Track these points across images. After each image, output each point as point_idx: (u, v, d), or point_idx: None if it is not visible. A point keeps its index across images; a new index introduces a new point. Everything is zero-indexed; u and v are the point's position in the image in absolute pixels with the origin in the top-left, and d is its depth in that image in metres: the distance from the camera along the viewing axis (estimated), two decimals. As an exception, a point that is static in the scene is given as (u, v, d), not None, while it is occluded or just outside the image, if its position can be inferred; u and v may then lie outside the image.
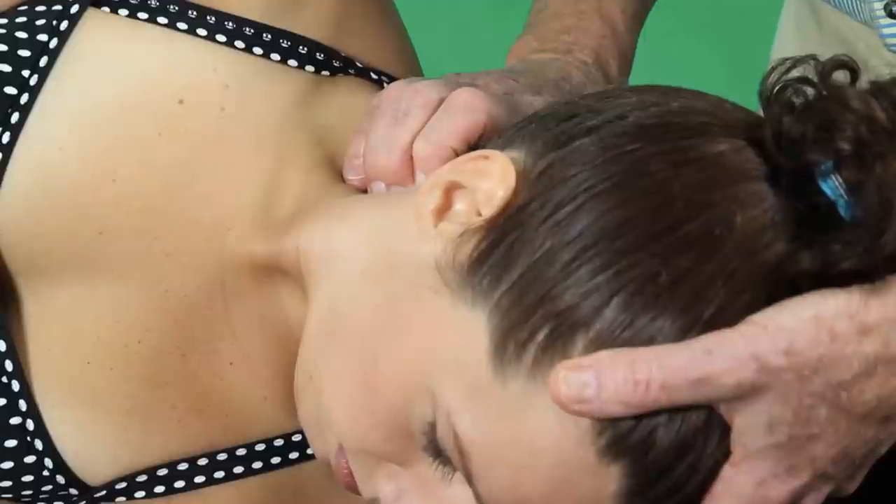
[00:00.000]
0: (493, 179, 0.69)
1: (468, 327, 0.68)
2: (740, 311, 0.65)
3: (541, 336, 0.66)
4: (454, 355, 0.68)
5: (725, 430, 0.66)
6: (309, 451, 0.82)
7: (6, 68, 0.79)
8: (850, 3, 1.08)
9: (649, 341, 0.65)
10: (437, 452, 0.70)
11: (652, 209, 0.66)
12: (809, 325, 0.64)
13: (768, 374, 0.64)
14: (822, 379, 0.64)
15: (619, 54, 0.90)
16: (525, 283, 0.67)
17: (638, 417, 0.65)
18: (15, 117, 0.79)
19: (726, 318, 0.65)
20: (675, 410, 0.65)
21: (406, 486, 0.72)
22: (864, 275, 0.65)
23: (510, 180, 0.69)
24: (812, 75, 0.69)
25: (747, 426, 0.65)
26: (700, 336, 0.65)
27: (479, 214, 0.70)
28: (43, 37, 0.80)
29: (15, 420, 0.79)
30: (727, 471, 0.67)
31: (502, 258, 0.68)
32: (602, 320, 0.65)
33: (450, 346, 0.68)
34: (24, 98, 0.79)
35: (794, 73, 0.69)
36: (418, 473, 0.72)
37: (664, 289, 0.65)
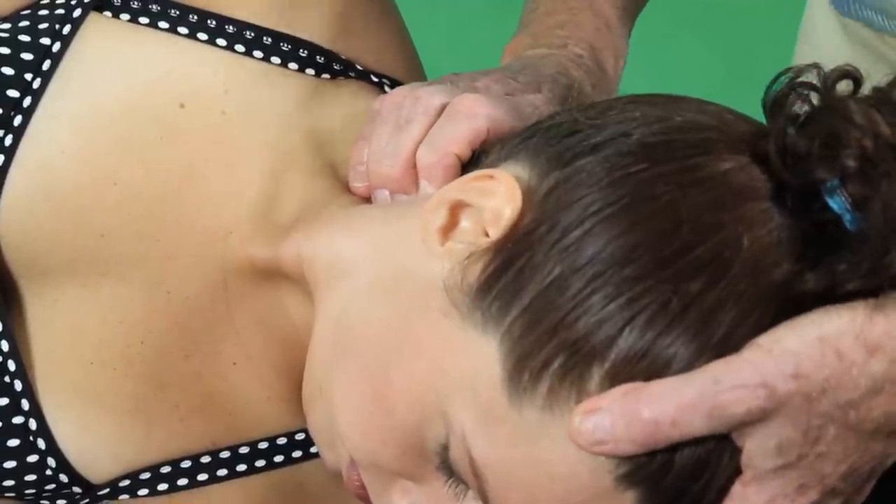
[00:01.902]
0: (499, 199, 0.69)
1: (479, 352, 0.68)
2: (749, 333, 0.65)
3: (555, 365, 0.66)
4: (466, 379, 0.68)
5: (737, 446, 0.66)
6: (312, 450, 0.83)
7: (9, 71, 0.80)
8: (879, 20, 1.07)
9: (665, 368, 0.65)
10: (450, 472, 0.70)
11: (660, 233, 0.66)
12: (815, 347, 0.64)
13: (777, 399, 0.64)
14: (829, 399, 0.64)
15: (613, 45, 0.90)
16: (536, 310, 0.66)
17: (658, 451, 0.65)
18: (17, 120, 0.79)
19: (736, 340, 0.65)
20: (693, 440, 0.65)
21: (420, 503, 0.72)
22: (869, 293, 0.64)
23: (516, 200, 0.69)
24: (816, 82, 0.69)
25: (757, 449, 0.65)
26: (707, 365, 0.65)
27: (486, 234, 0.69)
28: (46, 40, 0.81)
29: (17, 419, 0.80)
30: (738, 489, 0.67)
31: (511, 283, 0.67)
32: (617, 350, 0.65)
33: (461, 370, 0.68)
34: (27, 101, 0.80)
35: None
36: (432, 490, 0.72)
37: (676, 315, 0.65)
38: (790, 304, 0.65)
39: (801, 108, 0.69)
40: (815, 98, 0.69)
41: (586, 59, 0.87)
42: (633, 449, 0.65)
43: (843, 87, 0.69)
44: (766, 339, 0.65)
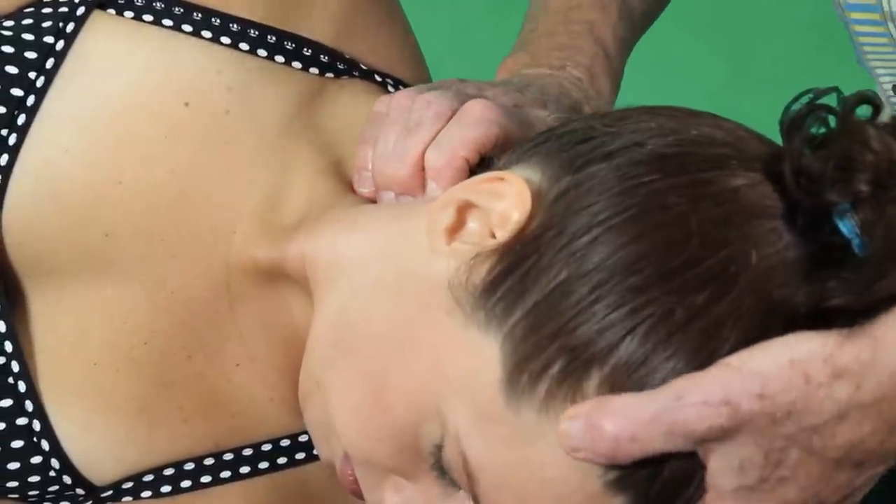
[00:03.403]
0: (509, 202, 0.69)
1: (480, 352, 0.68)
2: None
3: (555, 369, 0.66)
4: (465, 379, 0.68)
5: None
6: (315, 452, 0.83)
7: (13, 70, 0.80)
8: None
9: (663, 380, 0.65)
10: (442, 472, 0.70)
11: (668, 245, 0.66)
12: (783, 369, 0.63)
13: (740, 418, 0.63)
14: (794, 422, 0.64)
15: (611, 72, 0.90)
16: (539, 313, 0.67)
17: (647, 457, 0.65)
18: (21, 119, 0.79)
19: None
20: None
21: (412, 500, 0.72)
22: (856, 315, 0.64)
23: (526, 204, 0.69)
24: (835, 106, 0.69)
25: (719, 467, 0.65)
26: (673, 381, 0.64)
27: (493, 236, 0.69)
28: (49, 39, 0.81)
29: (21, 421, 0.80)
30: None
31: (517, 285, 0.67)
32: (617, 357, 0.65)
33: (461, 370, 0.68)
34: (31, 100, 0.79)
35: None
36: (424, 488, 0.72)
37: (678, 327, 0.65)
38: (790, 322, 0.65)
39: (818, 131, 0.69)
40: (832, 121, 0.69)
41: (584, 84, 0.87)
42: (601, 460, 0.65)
43: (862, 112, 0.69)
44: (735, 358, 0.64)
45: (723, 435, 0.64)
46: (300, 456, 0.84)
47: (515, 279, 0.68)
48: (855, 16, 1.02)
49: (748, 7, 2.32)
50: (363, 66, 0.85)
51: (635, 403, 0.64)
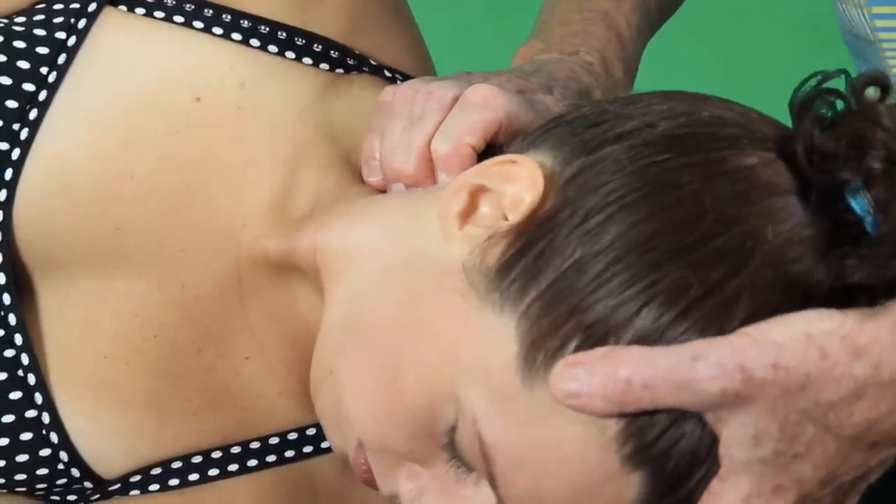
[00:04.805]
0: (521, 184, 0.70)
1: (496, 332, 0.68)
2: None
3: (571, 347, 0.66)
4: (481, 360, 0.68)
5: None
6: (323, 445, 0.83)
7: (25, 65, 0.80)
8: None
9: None
10: (456, 453, 0.70)
11: (682, 221, 0.66)
12: (799, 343, 0.64)
13: (753, 385, 0.64)
14: (809, 397, 0.64)
15: (624, 58, 0.90)
16: (555, 292, 0.67)
17: (662, 430, 0.65)
18: (33, 114, 0.79)
19: None
20: (698, 422, 0.65)
21: (427, 486, 0.72)
22: (875, 292, 0.64)
23: (538, 186, 0.69)
24: (844, 89, 0.69)
25: (733, 437, 0.65)
26: (691, 342, 0.65)
27: (506, 219, 0.70)
28: (61, 34, 0.81)
29: (30, 413, 0.80)
30: (714, 485, 0.66)
31: (531, 265, 0.68)
32: (632, 332, 0.65)
33: (476, 351, 0.68)
34: (43, 95, 0.80)
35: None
36: (439, 473, 0.72)
37: (694, 300, 0.65)
38: (807, 298, 0.66)
39: (827, 111, 0.69)
40: (840, 104, 0.69)
41: (596, 67, 0.87)
42: (603, 406, 0.65)
43: (872, 92, 0.69)
44: (754, 329, 0.64)
45: (736, 401, 0.64)
46: (308, 449, 0.84)
47: (529, 259, 0.68)
48: (878, 10, 1.02)
49: (748, 7, 2.32)
50: (373, 62, 0.86)
51: (651, 355, 0.64)
